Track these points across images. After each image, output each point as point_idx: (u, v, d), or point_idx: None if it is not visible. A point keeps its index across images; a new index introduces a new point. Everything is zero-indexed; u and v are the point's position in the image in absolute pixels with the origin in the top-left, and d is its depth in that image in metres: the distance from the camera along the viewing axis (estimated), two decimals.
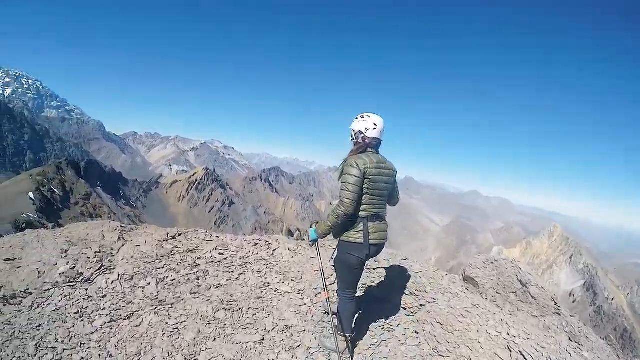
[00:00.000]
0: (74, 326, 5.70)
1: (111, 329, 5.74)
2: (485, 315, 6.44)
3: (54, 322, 5.72)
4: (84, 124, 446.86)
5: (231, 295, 6.73)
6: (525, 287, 8.04)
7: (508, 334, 5.88)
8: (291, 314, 6.54)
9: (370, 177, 5.15)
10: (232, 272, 7.41)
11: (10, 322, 5.57)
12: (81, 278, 6.79)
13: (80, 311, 6.02)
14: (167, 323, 5.91)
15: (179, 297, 6.56)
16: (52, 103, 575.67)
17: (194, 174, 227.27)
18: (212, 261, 7.80)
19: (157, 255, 7.68)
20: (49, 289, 6.44)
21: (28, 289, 6.43)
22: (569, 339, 6.86)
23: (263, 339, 5.91)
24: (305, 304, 6.80)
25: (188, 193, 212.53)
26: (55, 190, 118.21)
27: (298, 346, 5.96)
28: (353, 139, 5.54)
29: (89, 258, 7.34)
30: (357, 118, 5.51)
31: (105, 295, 6.42)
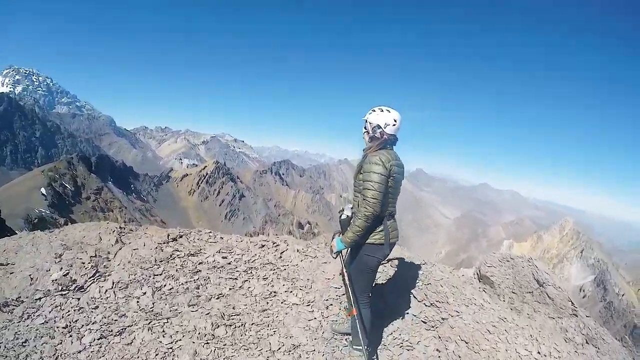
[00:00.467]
0: (61, 343, 5.22)
1: (100, 347, 5.24)
2: (513, 331, 5.93)
3: (41, 337, 5.26)
4: (95, 119, 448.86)
5: (233, 308, 6.15)
6: (542, 287, 7.81)
7: (539, 352, 5.45)
8: (299, 330, 5.97)
9: (394, 175, 4.93)
10: (236, 279, 6.83)
11: None
12: (74, 286, 6.29)
13: (70, 325, 5.53)
14: (160, 342, 5.35)
15: (176, 309, 5.98)
16: (63, 99, 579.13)
17: (204, 168, 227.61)
18: (215, 266, 7.18)
19: (155, 260, 7.12)
20: (40, 298, 5.97)
21: (20, 296, 5.99)
22: (586, 341, 6.80)
23: None
24: (315, 318, 6.22)
25: (199, 186, 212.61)
26: (67, 185, 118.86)
27: None
28: (368, 132, 5.18)
29: (84, 263, 6.84)
30: (374, 110, 5.17)
31: (97, 307, 5.91)
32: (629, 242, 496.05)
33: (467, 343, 5.70)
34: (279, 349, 5.54)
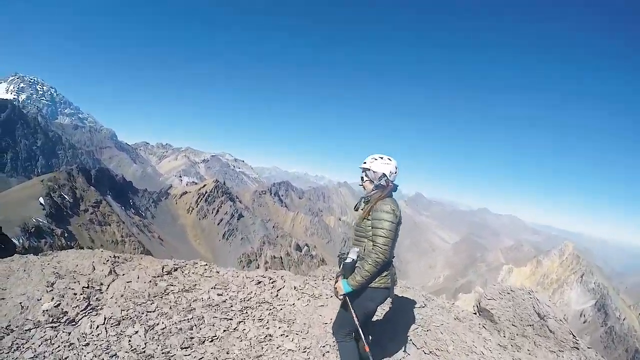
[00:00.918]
0: None
1: None
2: None
3: None
4: (96, 131, 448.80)
5: (227, 352, 5.91)
6: (543, 319, 7.80)
7: None
8: None
9: (399, 225, 5.03)
10: (231, 319, 6.59)
11: None
12: (65, 318, 6.05)
13: None
14: None
15: (169, 351, 5.73)
16: (66, 110, 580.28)
17: (203, 186, 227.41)
18: (210, 305, 6.92)
19: (149, 295, 6.91)
20: (30, 329, 5.73)
21: (10, 325, 5.74)
22: None
23: None
24: None
25: (197, 204, 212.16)
26: (66, 196, 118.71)
27: None
28: (371, 180, 5.24)
29: (76, 294, 6.59)
30: (376, 159, 5.25)
31: (88, 344, 5.65)
32: (625, 265, 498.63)
33: None
34: None
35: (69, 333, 5.81)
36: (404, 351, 6.52)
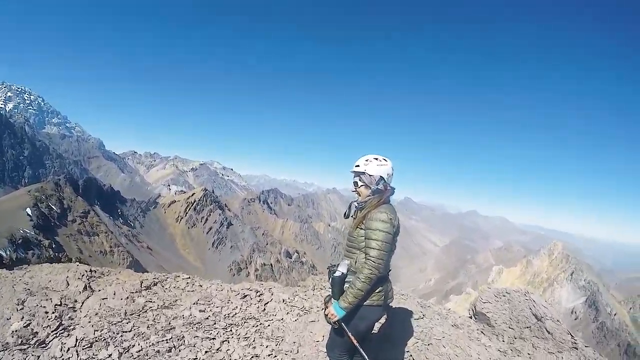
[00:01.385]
0: None
1: None
2: None
3: None
4: (84, 141, 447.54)
5: None
6: (540, 321, 7.60)
7: None
8: None
9: (397, 236, 4.57)
10: (214, 338, 6.01)
11: None
12: (35, 340, 5.57)
13: None
14: None
15: None
16: (53, 119, 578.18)
17: (192, 195, 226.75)
18: (191, 323, 6.38)
19: (125, 313, 6.40)
20: None
21: None
22: None
23: None
24: None
25: (186, 213, 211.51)
26: (53, 207, 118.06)
27: None
28: (367, 185, 4.63)
29: (47, 313, 6.13)
30: (371, 161, 4.64)
31: None
32: (614, 262, 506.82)
33: None
34: None
35: (38, 357, 5.32)
36: None
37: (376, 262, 4.17)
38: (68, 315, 6.23)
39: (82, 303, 6.62)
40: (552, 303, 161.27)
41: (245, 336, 6.32)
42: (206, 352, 5.78)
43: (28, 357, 5.27)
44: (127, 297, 6.87)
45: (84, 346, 5.53)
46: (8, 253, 76.90)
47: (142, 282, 7.49)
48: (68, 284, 7.10)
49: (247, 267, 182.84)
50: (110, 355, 5.40)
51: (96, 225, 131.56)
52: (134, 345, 5.64)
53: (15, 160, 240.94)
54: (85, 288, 7.00)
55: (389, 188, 4.63)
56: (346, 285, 4.40)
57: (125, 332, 5.96)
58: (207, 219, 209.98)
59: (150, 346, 5.66)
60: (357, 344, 4.42)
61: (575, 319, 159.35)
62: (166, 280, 7.97)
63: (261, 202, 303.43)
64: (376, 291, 4.41)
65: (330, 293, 4.59)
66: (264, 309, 7.37)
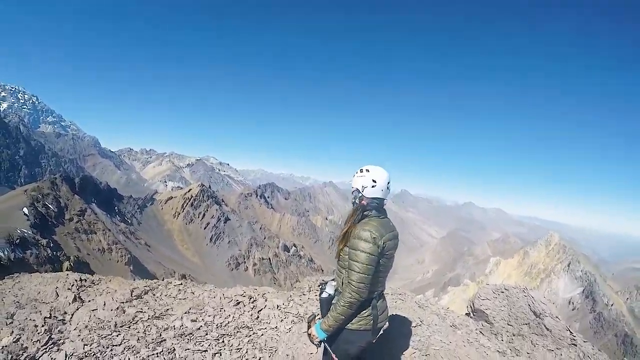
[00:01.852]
0: None
1: None
2: None
3: None
4: (79, 139, 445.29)
5: None
6: (539, 318, 7.66)
7: None
8: None
9: (386, 254, 4.22)
10: (206, 350, 5.89)
11: None
12: (25, 355, 5.51)
13: None
14: None
15: None
16: (48, 118, 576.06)
17: (189, 190, 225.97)
18: (182, 334, 6.31)
19: (115, 325, 6.30)
20: None
21: None
22: None
23: None
24: None
25: (183, 209, 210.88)
26: (50, 206, 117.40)
27: None
28: (353, 200, 4.51)
29: (37, 327, 6.09)
30: (356, 172, 4.51)
31: None
32: (611, 253, 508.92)
33: None
34: None
35: None
36: None
37: (356, 287, 3.94)
38: (58, 329, 6.16)
39: (72, 315, 6.54)
40: (550, 294, 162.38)
41: (238, 347, 6.17)
42: None
43: None
44: (117, 308, 6.78)
45: None
46: (6, 253, 76.48)
47: (132, 291, 7.41)
48: (57, 295, 7.02)
49: (245, 262, 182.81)
50: None
51: (93, 223, 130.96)
52: None
53: (11, 160, 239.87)
54: (75, 299, 6.93)
55: (364, 201, 4.35)
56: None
57: (115, 345, 5.84)
58: (204, 215, 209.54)
59: None
60: None
61: (572, 310, 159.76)
62: (157, 288, 7.88)
63: (258, 197, 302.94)
64: (364, 315, 4.19)
65: (313, 314, 4.51)
66: (258, 317, 7.26)
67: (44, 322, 6.16)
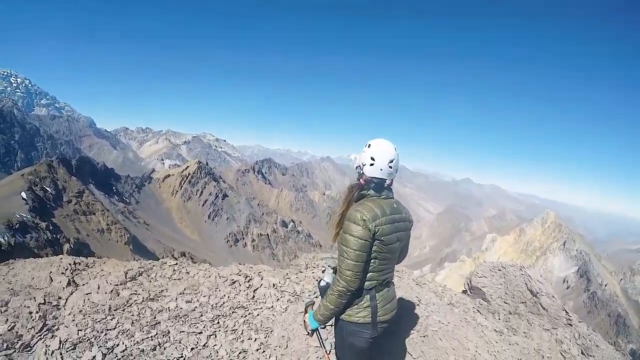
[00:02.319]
0: None
1: None
2: None
3: None
4: (75, 120, 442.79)
5: None
6: (535, 297, 7.67)
7: None
8: None
9: (382, 239, 3.67)
10: (201, 332, 5.79)
11: None
12: (20, 343, 5.43)
13: None
14: None
15: None
16: (42, 101, 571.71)
17: (186, 168, 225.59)
18: (177, 315, 6.14)
19: (110, 308, 6.25)
20: None
21: None
22: (582, 352, 6.66)
23: None
24: None
25: (181, 187, 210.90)
26: (48, 189, 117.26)
27: None
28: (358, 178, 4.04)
29: (31, 313, 5.99)
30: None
31: None
32: (608, 233, 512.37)
33: None
34: None
35: None
36: None
37: (345, 274, 3.58)
38: (52, 314, 6.10)
39: (66, 300, 6.50)
40: (545, 272, 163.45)
41: (233, 328, 6.08)
42: (192, 349, 5.54)
43: None
44: (112, 291, 6.71)
45: (67, 348, 5.34)
46: (6, 239, 76.50)
47: (126, 273, 7.32)
48: (52, 280, 6.94)
49: (243, 238, 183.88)
50: (94, 357, 5.21)
51: (92, 204, 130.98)
52: (117, 345, 5.44)
53: (7, 145, 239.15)
54: (69, 283, 6.87)
55: (362, 180, 3.93)
56: None
57: (110, 330, 5.75)
58: (202, 192, 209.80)
59: (134, 345, 5.45)
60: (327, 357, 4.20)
61: (566, 289, 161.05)
62: (152, 269, 7.78)
63: (255, 173, 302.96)
64: (362, 305, 3.81)
65: (312, 300, 4.28)
66: (253, 296, 7.16)
67: (38, 309, 6.11)
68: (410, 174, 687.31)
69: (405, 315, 6.79)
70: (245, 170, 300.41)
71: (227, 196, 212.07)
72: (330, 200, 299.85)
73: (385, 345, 5.96)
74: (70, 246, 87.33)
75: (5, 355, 5.22)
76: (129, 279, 7.12)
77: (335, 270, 3.98)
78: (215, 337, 5.92)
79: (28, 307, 6.12)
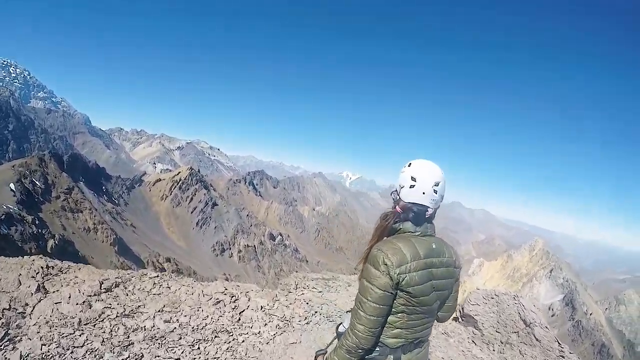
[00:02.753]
0: None
1: None
2: None
3: None
4: (70, 116, 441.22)
5: None
6: (529, 327, 7.58)
7: None
8: None
9: (409, 290, 2.87)
10: (178, 359, 5.17)
11: None
12: None
13: None
14: None
15: None
16: (39, 93, 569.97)
17: (178, 173, 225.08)
18: (153, 337, 5.44)
19: (79, 322, 5.59)
20: None
21: None
22: None
23: None
24: None
25: (171, 192, 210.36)
26: (37, 182, 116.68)
27: None
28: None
29: None
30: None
31: None
32: (595, 261, 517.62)
33: None
34: None
35: None
36: None
37: (355, 329, 2.87)
38: (16, 323, 5.49)
39: (33, 308, 5.89)
40: (530, 299, 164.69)
41: (215, 357, 5.38)
42: None
43: None
44: (84, 302, 6.11)
45: None
46: None
47: (102, 283, 6.66)
48: (20, 284, 6.36)
49: (230, 248, 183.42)
50: None
51: (80, 202, 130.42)
52: None
53: (0, 135, 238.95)
54: (38, 289, 6.27)
55: (400, 207, 3.14)
56: None
57: (77, 347, 5.11)
58: (192, 199, 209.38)
59: None
60: None
61: (552, 316, 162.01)
62: (130, 280, 7.12)
63: (247, 184, 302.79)
64: None
65: (322, 349, 3.55)
66: (239, 319, 6.52)
67: (2, 315, 5.51)
68: None
69: None
70: (236, 180, 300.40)
71: (217, 205, 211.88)
72: (319, 217, 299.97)
73: None
74: (54, 242, 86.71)
75: None
76: (103, 290, 6.52)
77: None
78: None
79: None
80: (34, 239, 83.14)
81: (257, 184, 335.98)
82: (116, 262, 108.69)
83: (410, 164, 3.16)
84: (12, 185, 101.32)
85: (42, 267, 6.90)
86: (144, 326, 5.82)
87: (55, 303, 5.97)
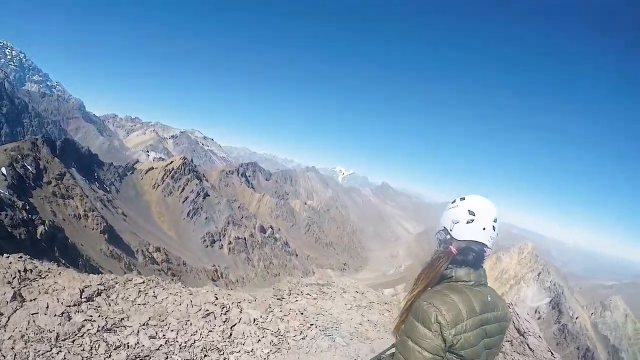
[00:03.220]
0: None
1: None
2: None
3: None
4: (64, 101, 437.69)
5: None
6: (522, 336, 7.65)
7: None
8: None
9: (462, 354, 2.49)
10: None
11: None
12: None
13: None
14: None
15: None
16: (34, 77, 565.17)
17: (171, 162, 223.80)
18: (137, 356, 5.04)
19: (57, 337, 5.13)
20: None
21: None
22: None
23: None
24: None
25: (163, 181, 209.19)
26: (29, 167, 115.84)
27: None
28: (437, 247, 3.12)
29: None
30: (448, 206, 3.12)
31: None
32: (585, 269, 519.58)
33: None
34: None
35: None
36: None
37: None
38: None
39: (9, 318, 5.43)
40: (517, 301, 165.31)
41: None
42: None
43: None
44: (62, 313, 5.65)
45: None
46: None
47: (82, 291, 6.24)
48: None
49: (220, 240, 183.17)
50: None
51: (71, 188, 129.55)
52: None
53: None
54: (14, 296, 5.77)
55: (452, 247, 2.93)
56: None
57: None
58: (184, 188, 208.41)
59: None
60: None
61: (538, 319, 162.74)
62: (113, 287, 6.61)
63: (239, 175, 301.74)
64: None
65: None
66: (230, 334, 6.11)
67: None
68: (393, 193, 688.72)
69: None
70: (229, 171, 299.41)
71: (209, 195, 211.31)
72: (310, 211, 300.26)
73: None
74: (44, 228, 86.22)
75: None
76: (84, 299, 6.06)
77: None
78: None
79: None
80: (23, 224, 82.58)
81: (249, 176, 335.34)
82: (106, 250, 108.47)
83: (463, 197, 3.04)
84: (3, 170, 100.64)
85: (19, 271, 6.41)
86: (127, 343, 5.40)
87: (32, 314, 5.51)
